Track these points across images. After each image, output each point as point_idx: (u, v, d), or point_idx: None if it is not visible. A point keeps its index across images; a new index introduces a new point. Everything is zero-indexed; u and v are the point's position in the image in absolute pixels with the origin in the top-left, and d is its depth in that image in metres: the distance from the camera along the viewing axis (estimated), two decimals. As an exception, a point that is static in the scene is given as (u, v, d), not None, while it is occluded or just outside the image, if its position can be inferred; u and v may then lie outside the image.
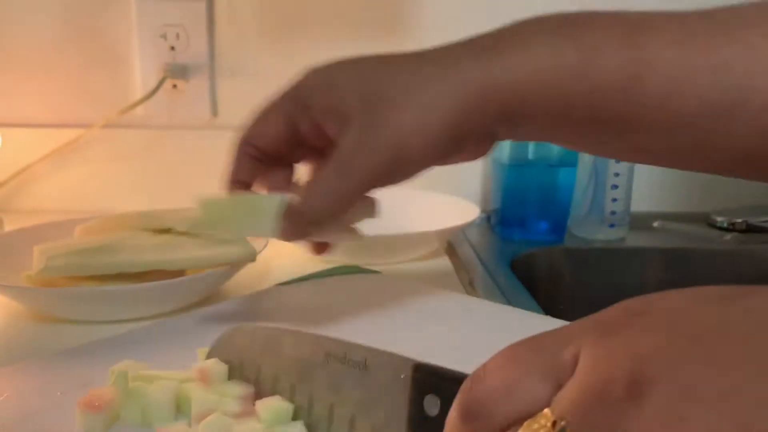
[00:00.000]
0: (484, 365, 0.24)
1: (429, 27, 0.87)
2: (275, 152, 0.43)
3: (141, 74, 0.86)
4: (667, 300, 0.22)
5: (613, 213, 0.81)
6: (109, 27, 0.85)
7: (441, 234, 0.71)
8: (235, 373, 0.39)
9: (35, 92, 0.86)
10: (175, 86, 0.86)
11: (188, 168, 0.88)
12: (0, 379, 0.42)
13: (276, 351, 0.38)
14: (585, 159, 0.80)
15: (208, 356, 0.41)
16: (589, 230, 0.82)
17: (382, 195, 0.81)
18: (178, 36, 0.85)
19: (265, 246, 0.60)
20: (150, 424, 0.37)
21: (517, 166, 0.80)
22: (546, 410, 0.22)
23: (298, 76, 0.41)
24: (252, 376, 0.39)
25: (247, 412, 0.37)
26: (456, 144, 0.39)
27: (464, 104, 0.37)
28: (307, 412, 0.36)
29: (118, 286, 0.52)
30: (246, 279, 0.62)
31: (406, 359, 0.31)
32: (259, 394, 0.38)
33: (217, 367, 0.39)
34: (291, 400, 0.36)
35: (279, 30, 0.87)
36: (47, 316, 0.54)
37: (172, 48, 0.86)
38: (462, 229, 0.80)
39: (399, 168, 0.39)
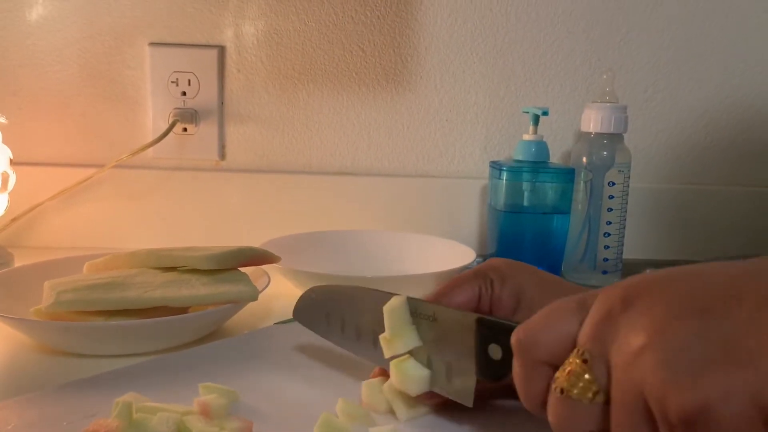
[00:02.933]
0: (532, 316, 0.33)
1: (429, 79, 0.91)
2: None
3: (153, 117, 0.90)
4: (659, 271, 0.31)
5: (605, 260, 0.83)
6: (123, 72, 0.89)
7: (438, 276, 0.73)
8: (320, 326, 0.49)
9: (50, 132, 0.90)
10: (185, 130, 0.90)
11: (195, 209, 0.91)
12: (7, 409, 0.43)
13: (357, 305, 0.47)
14: (578, 207, 0.83)
15: (294, 314, 0.52)
16: (582, 276, 0.84)
17: (383, 237, 0.84)
18: (189, 82, 0.89)
19: (267, 286, 0.63)
20: (152, 455, 0.39)
21: (513, 212, 0.82)
22: (576, 348, 0.31)
23: (487, 262, 0.47)
24: (337, 327, 0.48)
25: (245, 445, 0.39)
26: None
27: None
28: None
29: (125, 321, 0.54)
30: (248, 317, 0.64)
31: (470, 313, 0.39)
32: (346, 341, 0.48)
33: (217, 401, 0.42)
34: (374, 345, 0.44)
35: (286, 79, 0.91)
36: (54, 349, 0.56)
37: (183, 93, 0.89)
38: (459, 272, 0.82)
39: None
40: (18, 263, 0.76)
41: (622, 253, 0.84)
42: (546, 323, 0.33)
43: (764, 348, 0.25)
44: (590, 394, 0.29)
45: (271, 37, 0.90)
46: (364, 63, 0.90)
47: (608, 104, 0.81)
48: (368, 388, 0.45)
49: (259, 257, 0.64)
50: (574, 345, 0.31)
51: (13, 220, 0.85)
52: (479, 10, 0.90)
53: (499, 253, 0.83)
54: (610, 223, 0.82)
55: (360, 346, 0.47)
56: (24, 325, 0.55)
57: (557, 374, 0.31)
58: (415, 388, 0.42)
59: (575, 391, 0.30)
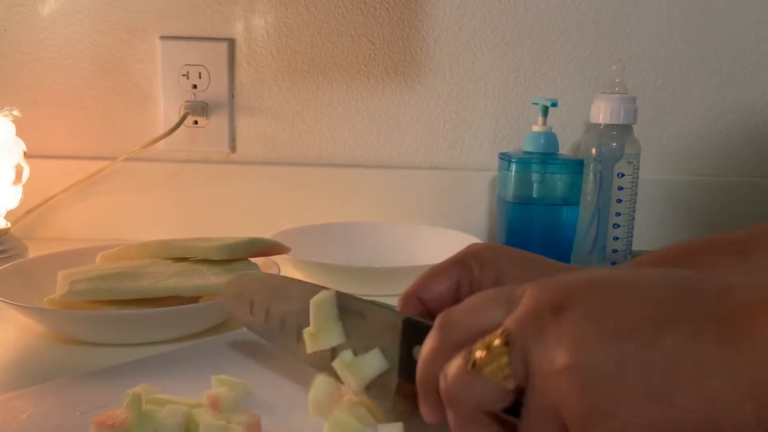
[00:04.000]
0: (462, 301, 0.33)
1: (438, 71, 0.91)
2: (437, 309, 0.46)
3: (164, 110, 0.90)
4: (586, 269, 0.30)
5: (615, 251, 0.83)
6: (134, 66, 0.90)
7: (446, 269, 0.73)
8: (244, 314, 0.48)
9: (63, 126, 0.91)
10: (195, 122, 0.90)
11: (206, 200, 0.91)
12: (22, 398, 0.44)
13: (284, 296, 0.45)
14: (587, 198, 0.83)
15: (220, 299, 0.51)
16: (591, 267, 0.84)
17: (392, 228, 0.84)
18: (200, 75, 0.90)
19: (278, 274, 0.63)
20: (159, 446, 0.39)
21: (522, 204, 0.82)
22: (497, 330, 0.30)
23: (466, 248, 0.46)
24: (261, 315, 0.47)
25: (253, 439, 0.39)
26: None
27: None
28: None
29: (138, 310, 0.55)
30: (257, 308, 0.65)
31: (398, 312, 0.39)
32: (268, 332, 0.47)
33: (227, 393, 0.42)
34: (297, 339, 0.43)
35: (295, 71, 0.91)
36: (68, 339, 0.57)
37: (194, 86, 0.90)
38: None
39: None
40: (32, 254, 0.77)
41: (631, 245, 0.84)
42: (471, 308, 0.33)
43: (685, 383, 0.25)
44: (502, 376, 0.29)
45: (280, 30, 0.90)
46: (373, 55, 0.91)
47: (618, 95, 0.81)
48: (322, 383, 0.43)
49: (269, 248, 0.65)
50: (495, 328, 0.31)
51: (28, 212, 0.86)
52: (488, 2, 0.89)
53: (508, 244, 0.84)
54: (620, 214, 0.82)
55: (282, 337, 0.46)
56: (38, 314, 0.56)
57: (474, 348, 0.30)
58: (357, 384, 0.40)
59: (488, 370, 0.29)
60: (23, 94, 0.89)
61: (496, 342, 0.30)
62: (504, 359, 0.29)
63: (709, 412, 0.24)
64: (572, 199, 0.82)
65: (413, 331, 0.37)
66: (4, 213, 0.76)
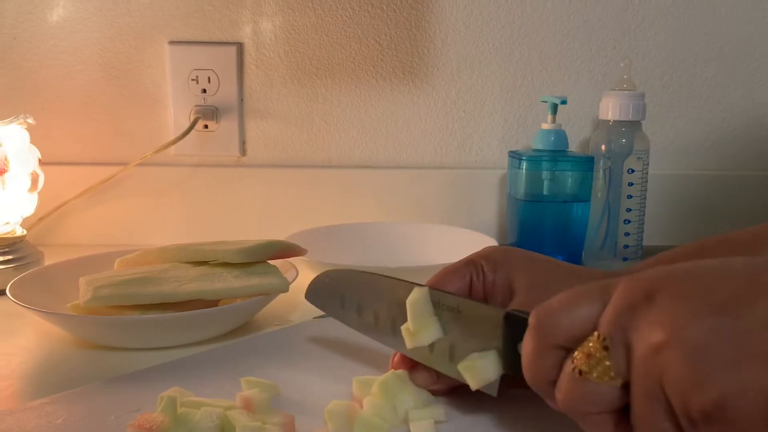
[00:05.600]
0: (553, 298, 0.34)
1: (446, 71, 0.91)
2: None
3: (174, 115, 0.91)
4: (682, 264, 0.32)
5: (626, 247, 0.84)
6: (144, 71, 0.90)
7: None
8: (335, 309, 0.49)
9: (75, 132, 0.91)
10: (206, 127, 0.91)
11: (217, 204, 0.92)
12: (55, 404, 0.45)
13: (373, 291, 0.47)
14: (598, 194, 0.84)
15: (307, 296, 0.52)
16: (603, 263, 0.84)
17: (404, 228, 0.85)
18: (209, 79, 0.90)
19: (296, 278, 0.64)
20: (197, 448, 0.40)
21: (533, 201, 0.83)
22: (595, 333, 0.32)
23: (481, 250, 0.48)
24: (352, 312, 0.48)
25: (289, 439, 0.40)
26: None
27: None
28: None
29: (163, 315, 0.55)
30: (277, 309, 0.65)
31: (497, 308, 0.40)
32: (362, 326, 0.48)
33: (259, 395, 0.43)
34: (393, 332, 0.45)
35: (304, 74, 0.91)
36: (89, 344, 0.57)
37: (204, 91, 0.90)
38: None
39: None
40: (47, 261, 0.77)
41: (642, 240, 0.84)
42: (567, 306, 0.33)
43: None
44: (607, 378, 0.31)
45: (288, 33, 0.90)
46: (381, 56, 0.91)
47: (626, 92, 0.82)
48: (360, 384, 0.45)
49: (287, 250, 0.65)
50: (592, 330, 0.32)
51: (41, 219, 0.86)
52: (495, 1, 0.90)
53: (520, 242, 0.84)
54: (630, 210, 0.83)
55: (379, 331, 0.47)
56: (64, 321, 0.56)
57: (576, 355, 0.32)
58: (482, 381, 0.40)
59: (594, 374, 0.31)
60: (33, 101, 0.90)
61: (596, 347, 0.31)
62: (606, 362, 0.31)
63: None
64: (583, 195, 0.82)
65: (516, 327, 0.38)
66: (20, 221, 0.76)
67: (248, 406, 0.42)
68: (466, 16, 0.90)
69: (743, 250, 0.45)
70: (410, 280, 0.70)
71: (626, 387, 0.31)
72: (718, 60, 0.92)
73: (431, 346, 0.43)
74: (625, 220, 0.83)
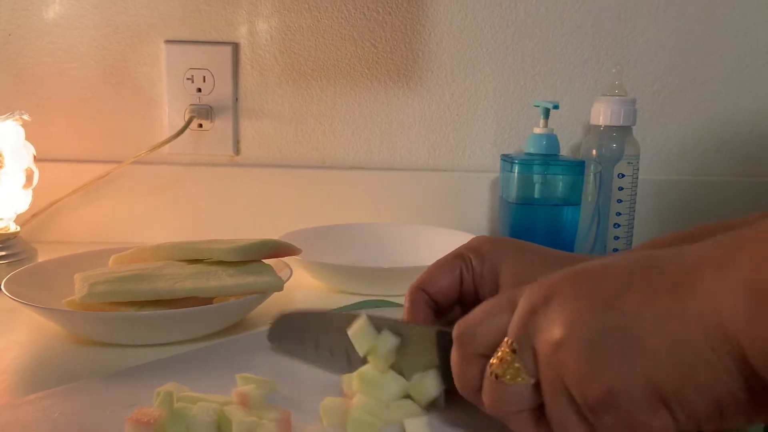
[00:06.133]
0: (472, 311, 0.37)
1: (440, 74, 0.92)
2: (442, 301, 0.49)
3: (169, 114, 0.91)
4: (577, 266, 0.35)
5: (615, 250, 0.85)
6: (139, 69, 0.91)
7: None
8: (295, 348, 0.52)
9: (70, 130, 0.91)
10: (200, 126, 0.91)
11: (211, 203, 0.92)
12: (51, 398, 0.45)
13: (328, 327, 0.50)
14: (588, 198, 0.85)
15: (269, 338, 0.53)
16: (592, 267, 0.85)
17: (396, 229, 0.86)
18: (204, 79, 0.90)
19: (290, 277, 0.64)
20: (193, 443, 0.40)
21: (524, 204, 0.84)
22: (505, 338, 0.35)
23: (468, 242, 0.49)
24: (311, 348, 0.51)
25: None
26: None
27: None
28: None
29: (160, 311, 0.55)
30: (270, 308, 0.66)
31: (431, 327, 0.43)
32: (318, 360, 0.50)
33: (255, 391, 0.43)
34: (348, 363, 0.48)
35: (299, 75, 0.92)
36: (84, 340, 0.57)
37: (199, 90, 0.91)
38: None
39: None
40: (41, 257, 0.77)
41: (631, 244, 0.85)
42: (482, 317, 0.37)
43: (650, 334, 0.30)
44: (519, 379, 0.34)
45: (284, 34, 0.91)
46: (375, 58, 0.92)
47: (617, 97, 0.83)
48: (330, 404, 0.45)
49: (281, 249, 0.66)
50: (504, 337, 0.35)
51: (34, 215, 0.86)
52: (489, 6, 0.91)
53: (511, 244, 0.85)
54: (620, 214, 0.84)
55: (334, 362, 0.49)
56: (60, 316, 0.57)
57: (492, 361, 0.35)
58: (427, 399, 0.43)
59: (507, 377, 0.34)
60: (27, 98, 0.90)
61: (506, 352, 0.34)
62: (516, 364, 0.34)
63: (673, 354, 0.29)
64: (573, 199, 0.83)
65: (448, 342, 0.39)
66: (14, 217, 0.77)
67: (244, 402, 0.42)
68: (461, 20, 0.91)
69: None
70: (403, 280, 0.71)
71: (539, 385, 0.34)
72: (708, 67, 0.93)
73: (383, 370, 0.45)
74: (614, 224, 0.85)
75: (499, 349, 0.35)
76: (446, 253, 0.65)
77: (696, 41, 0.93)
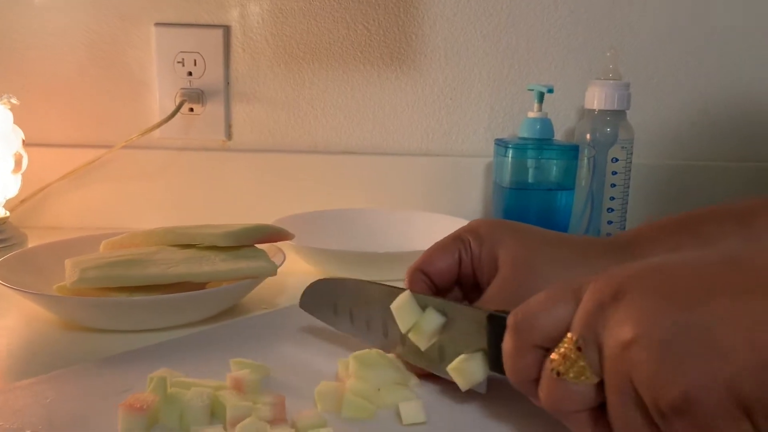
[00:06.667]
0: (530, 298, 0.35)
1: (434, 57, 0.92)
2: (441, 283, 0.48)
3: (159, 98, 0.90)
4: (647, 262, 0.33)
5: (609, 235, 0.85)
6: (129, 53, 0.89)
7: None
8: (328, 316, 0.51)
9: (59, 114, 0.90)
10: (191, 110, 0.90)
11: (202, 188, 0.91)
12: (43, 384, 0.45)
13: (366, 298, 0.48)
14: (582, 183, 0.84)
15: (301, 305, 0.53)
16: (586, 251, 0.85)
17: (390, 215, 0.85)
18: (195, 62, 0.89)
19: (283, 262, 0.64)
20: (187, 428, 0.40)
21: (517, 189, 0.83)
22: (568, 334, 0.33)
23: (467, 224, 0.49)
24: (345, 317, 0.50)
25: (279, 419, 0.40)
26: None
27: None
28: (400, 345, 0.46)
29: (150, 297, 0.55)
30: (263, 293, 0.65)
31: (480, 309, 0.41)
32: (356, 331, 0.49)
33: (250, 376, 0.43)
34: (385, 335, 0.47)
35: (291, 58, 0.91)
36: (75, 326, 0.57)
37: (190, 73, 0.90)
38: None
39: None
40: (31, 243, 0.77)
41: (624, 228, 0.85)
42: (542, 308, 0.35)
43: (737, 340, 0.27)
44: (583, 378, 0.32)
45: (275, 17, 0.90)
46: (368, 42, 0.91)
47: (612, 81, 0.82)
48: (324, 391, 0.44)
49: (274, 234, 0.65)
50: (567, 330, 0.33)
51: (23, 200, 0.85)
52: (483, -11, 0.90)
53: (505, 229, 0.85)
54: (614, 198, 0.84)
55: (369, 335, 0.49)
56: (51, 302, 0.56)
57: (552, 356, 0.33)
58: (471, 383, 0.41)
59: (571, 375, 0.33)
60: (16, 82, 0.88)
61: (570, 348, 0.33)
62: (581, 362, 0.32)
63: (761, 360, 0.27)
64: (567, 184, 0.83)
65: (498, 327, 0.38)
66: (3, 202, 0.76)
67: (239, 387, 0.42)
68: (454, 3, 0.90)
69: (735, 222, 0.46)
70: (396, 265, 0.71)
71: (603, 385, 0.32)
72: (703, 51, 0.93)
73: (424, 348, 0.44)
74: (608, 209, 0.84)
75: (561, 344, 0.33)
76: (440, 238, 0.66)
77: (691, 25, 0.92)
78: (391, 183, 0.93)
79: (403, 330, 0.44)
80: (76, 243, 0.69)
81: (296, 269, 0.72)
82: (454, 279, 0.48)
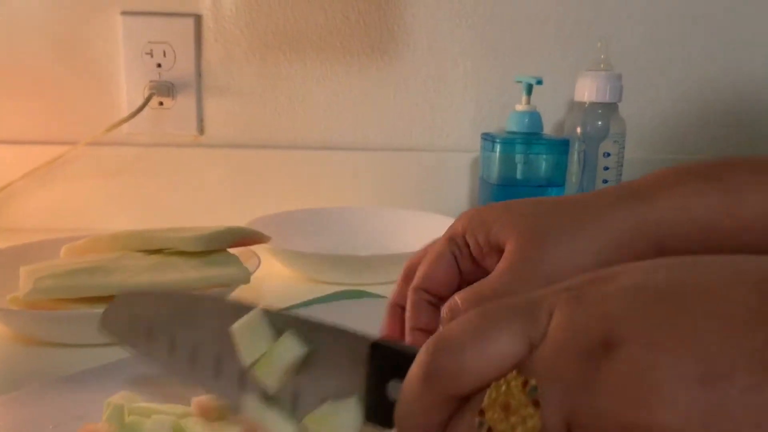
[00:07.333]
0: (452, 323, 0.23)
1: (417, 48, 0.87)
2: (446, 295, 0.41)
3: (127, 91, 0.85)
4: (632, 268, 0.23)
5: (600, 233, 0.81)
6: (94, 43, 0.84)
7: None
8: (138, 341, 0.36)
9: (19, 109, 0.85)
10: (161, 104, 0.86)
11: (173, 187, 0.87)
12: (-12, 409, 0.40)
13: (198, 319, 0.34)
14: (572, 179, 0.81)
15: (100, 327, 0.39)
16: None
17: (373, 213, 0.81)
18: (164, 53, 0.85)
19: (258, 267, 0.60)
20: (146, 463, 0.36)
21: (505, 185, 0.80)
22: (514, 371, 0.21)
23: (455, 221, 0.42)
24: (163, 349, 0.35)
25: (247, 448, 0.36)
26: None
27: (617, 242, 0.38)
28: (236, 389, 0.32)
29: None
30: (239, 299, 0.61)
31: (363, 335, 0.28)
32: (172, 371, 0.35)
33: (218, 400, 0.39)
34: (216, 374, 0.33)
35: (267, 48, 0.86)
36: (32, 340, 0.52)
37: (159, 65, 0.85)
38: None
39: None
40: (-11, 247, 0.72)
41: (617, 226, 0.82)
42: (474, 339, 0.22)
43: None
44: None
45: (250, 5, 0.85)
46: (348, 31, 0.87)
47: (603, 72, 0.79)
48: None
49: (248, 237, 0.61)
50: (511, 371, 0.22)
51: (-19, 201, 0.80)
52: (468, -24, 0.86)
53: (493, 227, 0.81)
54: (606, 195, 0.81)
55: (195, 372, 0.34)
56: (4, 316, 0.52)
57: (485, 405, 0.22)
58: None
59: None
60: (-28, 74, 0.83)
61: (520, 399, 0.21)
62: (532, 423, 0.21)
63: None
64: (557, 179, 0.80)
65: (386, 361, 0.27)
66: (-44, 203, 0.71)
67: (205, 413, 0.38)
68: (438, -9, 0.86)
69: (706, 179, 0.40)
70: (381, 268, 0.67)
71: None
72: (696, 40, 0.90)
73: (268, 395, 0.31)
74: (600, 206, 0.81)
75: (498, 389, 0.22)
76: (425, 237, 0.60)
77: (683, 14, 0.89)
78: (373, 180, 0.89)
79: (246, 361, 0.31)
80: (34, 248, 0.64)
81: (274, 274, 0.68)
82: (456, 285, 0.42)
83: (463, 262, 0.41)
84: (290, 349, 0.30)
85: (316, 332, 0.31)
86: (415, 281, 0.42)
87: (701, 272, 0.21)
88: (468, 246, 0.41)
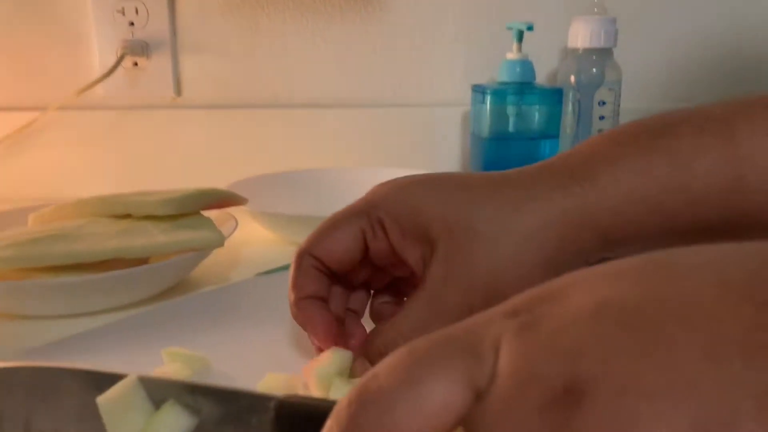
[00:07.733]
0: (375, 368, 0.19)
1: (399, 3, 0.83)
2: (339, 269, 0.37)
3: (99, 52, 0.82)
4: (588, 278, 0.19)
5: (597, 186, 0.78)
6: (63, 2, 0.81)
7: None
8: None
9: (-16, 73, 0.81)
10: (135, 64, 0.82)
11: (151, 150, 0.84)
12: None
13: (59, 397, 0.29)
14: (567, 130, 0.77)
15: None
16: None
17: (359, 173, 0.78)
18: (137, 11, 0.81)
19: (234, 230, 0.57)
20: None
21: (497, 139, 0.77)
22: (459, 428, 0.18)
23: (370, 192, 0.37)
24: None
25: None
26: (550, 276, 0.32)
27: (560, 235, 0.34)
28: None
29: (74, 278, 0.47)
30: (215, 267, 0.58)
31: (266, 395, 0.25)
32: None
33: (181, 371, 0.36)
34: None
35: (243, 2, 0.82)
36: (-1, 314, 0.50)
37: (131, 23, 0.81)
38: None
39: (492, 303, 0.31)
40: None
41: (614, 178, 0.79)
42: (408, 390, 0.18)
43: None
44: None
45: (224, -44, 0.81)
46: (329, -18, 0.82)
47: (597, 17, 0.75)
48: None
49: (223, 199, 0.58)
50: (453, 424, 0.18)
51: (-50, 172, 0.77)
52: None
53: (485, 183, 0.78)
54: (602, 146, 0.77)
55: None
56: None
57: None
58: None
59: None
60: (-66, 38, 0.79)
61: None
62: None
63: None
64: (551, 131, 0.76)
65: (296, 422, 0.24)
66: None
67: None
68: (422, -65, 0.82)
69: (714, 133, 0.36)
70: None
71: None
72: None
73: None
74: (596, 158, 0.77)
75: None
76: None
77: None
78: (359, 138, 0.85)
79: None
80: (2, 218, 0.61)
81: (256, 237, 0.65)
82: (357, 261, 0.37)
83: (375, 243, 0.36)
84: (173, 422, 0.26)
85: (206, 398, 0.26)
86: (305, 244, 0.37)
87: (676, 283, 0.17)
88: (385, 229, 0.36)
